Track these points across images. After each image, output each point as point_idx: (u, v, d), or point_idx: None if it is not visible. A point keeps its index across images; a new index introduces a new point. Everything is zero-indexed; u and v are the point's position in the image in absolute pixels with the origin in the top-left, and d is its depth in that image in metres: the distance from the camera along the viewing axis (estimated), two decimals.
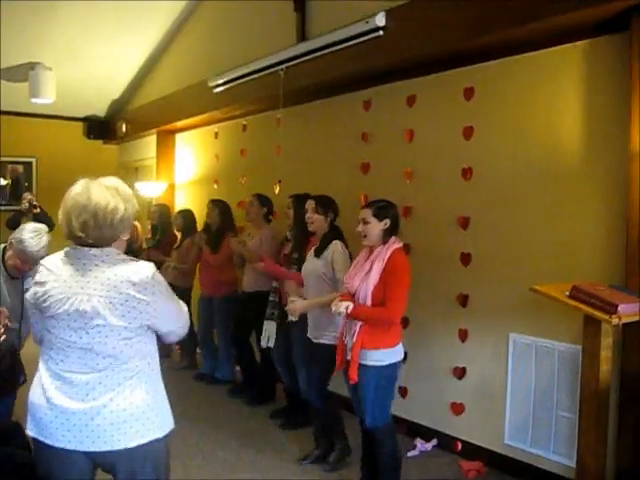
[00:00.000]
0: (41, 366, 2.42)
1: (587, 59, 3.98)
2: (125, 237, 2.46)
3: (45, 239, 3.77)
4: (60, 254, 2.43)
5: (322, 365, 4.37)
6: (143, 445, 2.36)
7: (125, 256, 2.41)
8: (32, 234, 3.73)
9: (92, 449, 2.32)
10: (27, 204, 6.34)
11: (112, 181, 2.40)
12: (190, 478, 4.37)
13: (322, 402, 4.49)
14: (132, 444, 2.34)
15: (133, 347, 2.35)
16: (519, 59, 4.33)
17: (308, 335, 4.49)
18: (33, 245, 3.68)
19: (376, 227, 3.81)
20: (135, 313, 2.31)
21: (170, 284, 7.47)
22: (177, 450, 4.78)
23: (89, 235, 2.30)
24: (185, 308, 2.62)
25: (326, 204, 4.49)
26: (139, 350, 2.37)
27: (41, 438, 2.37)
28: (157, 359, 2.51)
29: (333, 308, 3.78)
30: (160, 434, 2.43)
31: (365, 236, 3.84)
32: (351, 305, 3.70)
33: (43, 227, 3.86)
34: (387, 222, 3.81)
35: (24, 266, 3.75)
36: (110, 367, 2.32)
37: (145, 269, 2.37)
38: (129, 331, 2.32)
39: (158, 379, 2.50)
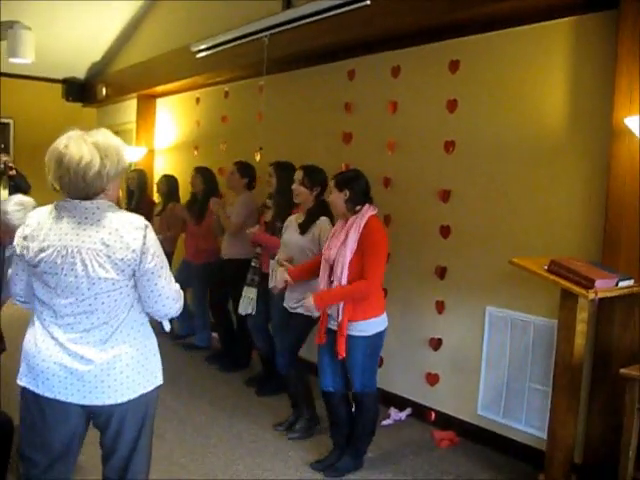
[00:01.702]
0: (36, 319, 2.44)
1: (574, 35, 3.99)
2: (110, 191, 2.41)
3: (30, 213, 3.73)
4: (50, 207, 2.41)
5: (295, 334, 4.43)
6: (130, 401, 2.41)
7: (117, 208, 2.41)
8: (17, 207, 3.69)
9: (85, 402, 2.36)
10: (3, 165, 6.28)
11: (97, 135, 2.38)
12: (166, 441, 4.39)
13: (291, 370, 4.51)
14: (121, 399, 2.38)
15: (118, 300, 2.36)
16: (506, 33, 4.32)
17: (284, 304, 4.50)
18: (16, 218, 3.64)
19: (337, 197, 3.86)
20: (122, 265, 2.31)
21: None
22: None
23: (64, 189, 2.32)
24: (177, 288, 2.53)
25: (313, 178, 4.38)
26: (124, 303, 2.38)
27: (33, 388, 2.39)
28: (143, 312, 2.49)
29: (305, 306, 3.89)
30: (146, 389, 2.46)
31: (332, 206, 3.91)
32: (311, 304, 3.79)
33: (29, 201, 3.80)
34: (347, 192, 3.82)
35: (4, 237, 3.71)
36: (98, 322, 2.34)
37: (138, 220, 2.38)
38: (114, 284, 2.32)
39: (146, 332, 2.50)
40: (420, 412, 4.93)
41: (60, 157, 2.29)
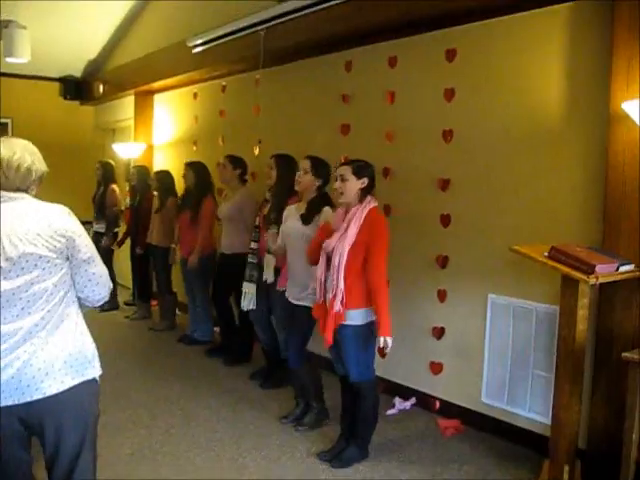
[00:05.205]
0: None
1: (570, 22, 3.98)
2: (33, 192, 2.43)
3: None
4: None
5: (303, 328, 4.40)
6: (62, 392, 2.33)
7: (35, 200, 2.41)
8: None
9: (11, 402, 2.28)
10: None
11: (21, 140, 2.44)
12: (171, 435, 4.41)
13: (301, 364, 4.52)
14: (46, 393, 2.30)
15: (40, 286, 2.30)
16: (502, 21, 4.31)
17: (287, 296, 4.50)
18: None
19: (354, 185, 3.83)
20: (51, 246, 2.30)
21: (154, 245, 7.50)
22: (159, 409, 4.86)
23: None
24: (106, 272, 2.56)
25: (321, 169, 4.38)
26: (45, 289, 2.32)
27: None
28: (70, 298, 2.43)
29: (387, 351, 3.84)
30: (77, 380, 2.38)
31: (342, 193, 3.85)
32: (389, 339, 3.77)
33: None
34: (365, 181, 3.84)
35: None
36: (22, 313, 2.28)
37: (61, 207, 2.41)
38: (36, 265, 2.28)
39: (73, 321, 2.43)
40: (425, 401, 4.94)
41: None
